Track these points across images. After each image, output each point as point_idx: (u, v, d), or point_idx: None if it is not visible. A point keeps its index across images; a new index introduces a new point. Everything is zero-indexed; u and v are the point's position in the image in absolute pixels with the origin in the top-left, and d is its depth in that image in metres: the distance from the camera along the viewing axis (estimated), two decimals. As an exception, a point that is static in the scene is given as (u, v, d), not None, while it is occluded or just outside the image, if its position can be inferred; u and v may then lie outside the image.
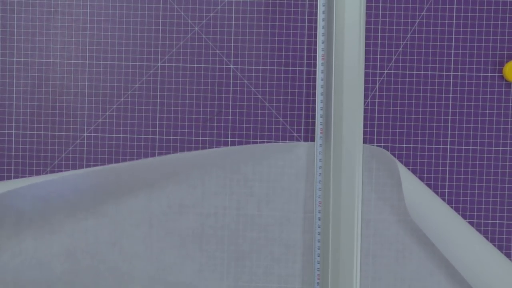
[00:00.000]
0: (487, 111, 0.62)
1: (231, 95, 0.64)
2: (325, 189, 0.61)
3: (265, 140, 0.64)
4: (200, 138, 0.64)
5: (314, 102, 0.63)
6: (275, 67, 0.63)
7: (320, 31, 0.62)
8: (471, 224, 0.62)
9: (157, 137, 0.64)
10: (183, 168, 0.63)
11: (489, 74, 0.62)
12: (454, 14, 0.62)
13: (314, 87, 0.63)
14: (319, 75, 0.62)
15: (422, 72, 0.63)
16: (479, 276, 0.58)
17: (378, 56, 0.63)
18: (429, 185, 0.63)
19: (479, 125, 0.63)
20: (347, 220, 0.59)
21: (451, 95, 0.63)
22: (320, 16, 0.62)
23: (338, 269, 0.59)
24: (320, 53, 0.62)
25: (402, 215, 0.63)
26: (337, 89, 0.59)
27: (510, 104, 0.62)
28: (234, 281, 0.64)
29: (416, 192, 0.60)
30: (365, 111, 0.63)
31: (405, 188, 0.59)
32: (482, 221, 0.62)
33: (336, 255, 0.59)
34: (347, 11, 0.58)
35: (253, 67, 0.64)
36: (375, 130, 0.63)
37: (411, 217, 0.59)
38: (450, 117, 0.63)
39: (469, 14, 0.62)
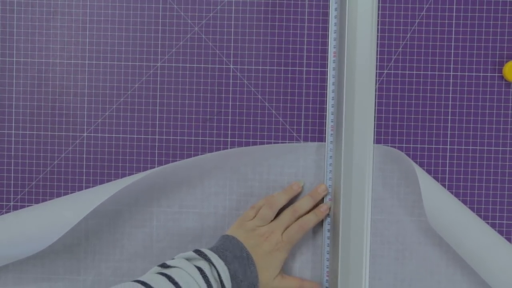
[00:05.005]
0: (487, 111, 0.62)
1: (231, 95, 0.64)
2: (336, 187, 0.60)
3: (265, 140, 0.63)
4: (200, 138, 0.64)
5: (314, 102, 0.63)
6: (275, 67, 0.63)
7: (332, 27, 0.61)
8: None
9: (157, 137, 0.64)
10: (182, 168, 0.63)
11: (489, 74, 0.62)
12: (454, 14, 0.62)
13: (315, 87, 0.63)
14: (331, 73, 0.61)
15: (422, 72, 0.63)
16: (500, 278, 0.58)
17: (378, 56, 0.63)
18: (429, 185, 0.63)
19: (479, 125, 0.63)
20: (356, 220, 0.59)
21: (451, 95, 0.63)
22: (332, 14, 0.61)
23: (348, 268, 0.59)
24: (331, 50, 0.61)
25: (401, 215, 0.63)
26: (348, 89, 0.58)
27: (510, 104, 0.62)
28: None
29: (434, 194, 0.59)
30: (365, 111, 0.63)
31: (424, 191, 0.58)
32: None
33: (346, 253, 0.59)
34: (360, 10, 0.58)
35: (253, 67, 0.64)
36: (375, 129, 0.63)
37: (429, 220, 0.59)
38: (450, 117, 0.63)
39: (469, 14, 0.62)
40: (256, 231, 0.59)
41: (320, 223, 0.62)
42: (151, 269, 0.55)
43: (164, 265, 0.55)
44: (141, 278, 0.53)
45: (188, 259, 0.56)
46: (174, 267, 0.54)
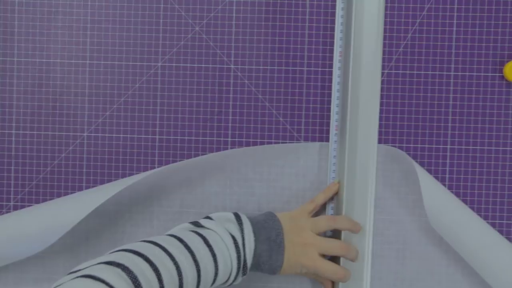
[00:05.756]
0: (488, 110, 0.63)
1: (231, 95, 0.64)
2: (339, 187, 0.61)
3: (266, 140, 0.64)
4: (201, 138, 0.64)
5: (315, 102, 0.63)
6: (276, 67, 0.63)
7: (338, 27, 0.61)
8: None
9: (157, 137, 0.64)
10: (183, 169, 0.63)
11: (489, 74, 0.62)
12: (455, 14, 0.62)
13: (315, 87, 0.63)
14: (336, 72, 0.61)
15: (423, 72, 0.63)
16: (501, 277, 0.58)
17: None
18: (429, 185, 0.63)
19: (480, 125, 0.63)
20: (359, 220, 0.59)
21: (451, 95, 0.63)
22: (339, 13, 0.61)
23: (349, 268, 0.59)
24: (337, 50, 0.61)
25: (402, 214, 0.63)
26: (354, 89, 0.58)
27: (510, 104, 0.62)
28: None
29: (435, 193, 0.59)
30: (366, 111, 0.63)
31: (424, 190, 0.59)
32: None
33: None
34: (366, 10, 0.58)
35: (254, 67, 0.64)
36: (378, 129, 0.63)
37: (429, 220, 0.59)
38: (450, 117, 0.63)
39: (470, 14, 0.62)
40: (302, 233, 0.57)
41: None
42: (181, 225, 0.54)
43: (197, 224, 0.54)
44: (176, 234, 0.52)
45: (224, 219, 0.55)
46: (209, 229, 0.54)
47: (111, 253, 0.48)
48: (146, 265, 0.46)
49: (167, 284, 0.46)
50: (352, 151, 0.59)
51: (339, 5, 0.61)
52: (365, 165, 0.58)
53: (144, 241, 0.50)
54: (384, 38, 0.63)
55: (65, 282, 0.42)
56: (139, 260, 0.46)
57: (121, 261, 0.45)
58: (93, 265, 0.45)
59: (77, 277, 0.42)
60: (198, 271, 0.50)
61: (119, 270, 0.44)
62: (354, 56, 0.58)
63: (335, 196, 0.61)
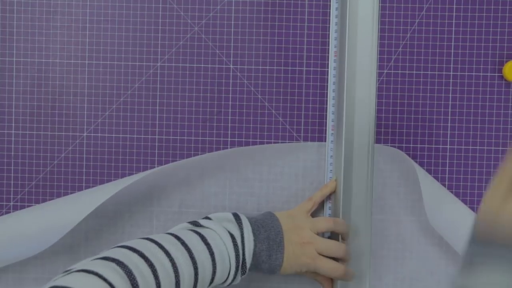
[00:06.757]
0: (487, 110, 0.63)
1: (230, 95, 0.64)
2: (336, 187, 0.61)
3: (265, 140, 0.63)
4: (200, 138, 0.64)
5: (314, 102, 0.63)
6: (275, 67, 0.63)
7: (333, 27, 0.62)
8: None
9: (156, 137, 0.64)
10: (182, 168, 0.63)
11: (489, 74, 0.62)
12: (454, 14, 0.62)
13: (315, 87, 0.63)
14: (331, 72, 0.62)
15: (422, 72, 0.63)
16: None
17: (378, 56, 0.63)
18: (429, 185, 0.63)
19: (479, 125, 0.63)
20: (357, 220, 0.59)
21: (450, 95, 0.63)
22: (333, 13, 0.62)
23: (349, 266, 0.59)
24: (332, 50, 0.62)
25: (401, 215, 0.63)
26: (349, 89, 0.58)
27: (510, 104, 0.62)
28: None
29: (435, 193, 0.59)
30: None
31: (424, 190, 0.59)
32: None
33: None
34: (361, 10, 0.58)
35: (253, 67, 0.64)
36: (374, 129, 0.63)
37: (429, 220, 0.59)
38: (450, 117, 0.63)
39: (469, 14, 0.62)
40: (300, 232, 0.57)
41: None
42: (180, 225, 0.55)
43: (196, 224, 0.54)
44: (174, 232, 0.52)
45: (223, 219, 0.55)
46: (207, 228, 0.54)
47: (106, 251, 0.48)
48: (141, 261, 0.46)
49: (162, 279, 0.46)
50: (349, 151, 0.59)
51: (333, 5, 0.61)
52: (362, 165, 0.58)
53: (141, 238, 0.50)
54: (383, 38, 0.63)
55: (59, 277, 0.42)
56: (134, 255, 0.46)
57: (115, 256, 0.45)
58: (88, 261, 0.45)
59: (71, 272, 0.43)
60: (195, 268, 0.50)
61: (113, 265, 0.44)
62: (349, 56, 0.58)
63: (332, 195, 0.61)
